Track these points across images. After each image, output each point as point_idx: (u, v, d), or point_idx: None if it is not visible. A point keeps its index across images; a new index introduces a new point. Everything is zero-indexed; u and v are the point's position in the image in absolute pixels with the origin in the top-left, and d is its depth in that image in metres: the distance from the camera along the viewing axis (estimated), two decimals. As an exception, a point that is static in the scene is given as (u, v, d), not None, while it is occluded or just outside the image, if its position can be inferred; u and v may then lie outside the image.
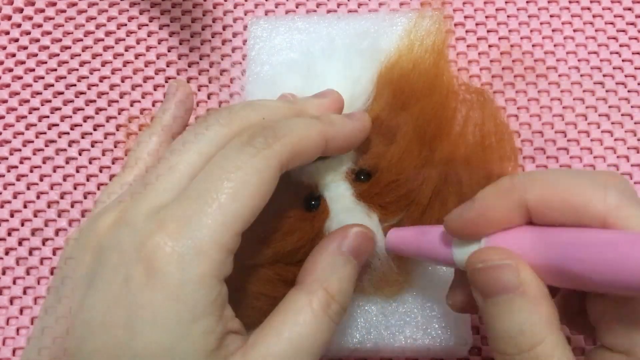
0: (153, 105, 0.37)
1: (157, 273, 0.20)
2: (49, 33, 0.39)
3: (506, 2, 0.38)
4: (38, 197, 0.35)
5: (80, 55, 0.38)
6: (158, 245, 0.20)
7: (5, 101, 0.37)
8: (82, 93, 0.37)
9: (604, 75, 0.36)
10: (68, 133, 0.36)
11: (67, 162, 0.36)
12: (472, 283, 0.20)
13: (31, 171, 0.36)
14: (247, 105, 0.25)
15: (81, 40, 0.38)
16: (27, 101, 0.37)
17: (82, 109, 0.37)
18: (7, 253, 0.34)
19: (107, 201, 0.25)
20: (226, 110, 0.24)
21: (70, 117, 0.37)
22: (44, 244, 0.34)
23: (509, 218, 0.20)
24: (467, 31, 0.38)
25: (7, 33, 0.38)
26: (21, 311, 0.33)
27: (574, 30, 0.37)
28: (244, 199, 0.21)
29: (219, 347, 0.20)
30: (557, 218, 0.19)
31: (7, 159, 0.36)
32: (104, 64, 0.38)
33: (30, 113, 0.37)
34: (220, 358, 0.20)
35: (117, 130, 0.36)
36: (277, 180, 0.22)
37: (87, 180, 0.35)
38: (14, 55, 0.38)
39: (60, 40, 0.38)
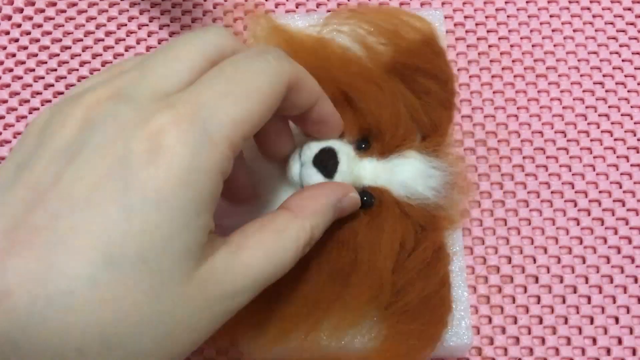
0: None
1: (164, 151, 0.17)
2: (49, 33, 0.39)
3: (506, 2, 0.38)
4: (38, 197, 0.35)
5: (80, 55, 0.38)
6: (167, 123, 0.18)
7: (5, 101, 0.37)
8: (82, 93, 0.37)
9: (604, 75, 0.36)
10: (68, 133, 0.36)
11: (67, 162, 0.36)
12: None
13: (31, 171, 0.36)
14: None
15: (81, 40, 0.38)
16: (27, 101, 0.37)
17: (82, 109, 0.37)
18: (7, 253, 0.34)
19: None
20: (282, 53, 0.23)
21: (71, 117, 0.37)
22: (44, 244, 0.34)
23: None
24: (467, 31, 0.38)
25: (7, 33, 0.38)
26: (21, 311, 0.33)
27: (574, 31, 0.37)
28: (256, 101, 0.20)
29: (208, 242, 0.19)
30: None
31: (7, 159, 0.36)
32: (104, 64, 0.38)
33: (30, 113, 0.37)
34: (208, 254, 0.19)
35: (117, 130, 0.36)
36: (281, 99, 0.21)
37: (87, 180, 0.35)
38: (14, 55, 0.38)
39: (60, 40, 0.38)
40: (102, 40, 0.38)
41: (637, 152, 0.35)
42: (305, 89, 0.23)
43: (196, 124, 0.18)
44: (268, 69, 0.21)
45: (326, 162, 0.27)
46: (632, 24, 0.37)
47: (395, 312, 0.27)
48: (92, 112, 0.18)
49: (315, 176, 0.27)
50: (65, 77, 0.38)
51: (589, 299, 0.32)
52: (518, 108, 0.36)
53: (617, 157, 0.35)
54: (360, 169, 0.28)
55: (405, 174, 0.28)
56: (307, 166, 0.27)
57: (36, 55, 0.38)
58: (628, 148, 0.35)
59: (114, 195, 0.17)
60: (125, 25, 0.39)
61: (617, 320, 0.32)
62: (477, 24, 0.38)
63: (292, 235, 0.22)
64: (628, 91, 0.36)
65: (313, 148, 0.27)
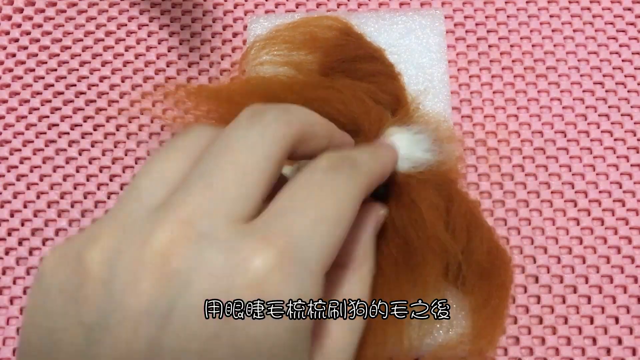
0: (153, 105, 0.37)
1: (274, 302, 0.16)
2: (49, 33, 0.39)
3: (506, 2, 0.38)
4: (38, 197, 0.35)
5: (80, 55, 0.38)
6: (268, 267, 0.16)
7: (5, 101, 0.37)
8: (82, 93, 0.37)
9: (604, 76, 0.36)
10: (68, 133, 0.36)
11: (67, 162, 0.36)
12: None
13: (31, 171, 0.36)
14: (302, 109, 0.21)
15: (81, 40, 0.38)
16: (27, 101, 0.37)
17: (82, 109, 0.37)
18: (7, 253, 0.34)
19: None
20: (282, 107, 0.20)
21: (70, 117, 0.37)
22: (44, 244, 0.34)
23: None
24: (467, 31, 0.38)
25: (7, 33, 0.39)
26: (21, 311, 0.33)
27: (574, 31, 0.37)
28: (346, 225, 0.19)
29: None
30: None
31: (7, 159, 0.36)
32: (104, 64, 0.38)
33: (30, 113, 0.37)
34: None
35: (117, 130, 0.36)
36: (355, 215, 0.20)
37: (87, 180, 0.35)
38: (14, 55, 0.38)
39: (60, 40, 0.38)
40: (102, 40, 0.38)
41: (637, 152, 0.35)
42: (315, 140, 0.21)
43: (296, 260, 0.16)
44: (354, 187, 0.20)
45: None
46: (632, 24, 0.37)
47: (469, 279, 0.28)
48: (173, 261, 0.16)
49: None
50: (65, 77, 0.38)
51: (589, 299, 0.32)
52: (518, 108, 0.36)
53: (617, 157, 0.35)
54: None
55: (400, 149, 0.28)
56: None
57: (36, 55, 0.38)
58: (628, 148, 0.35)
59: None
60: (125, 25, 0.39)
61: (617, 320, 0.32)
62: (477, 24, 0.38)
63: (359, 292, 0.22)
64: (628, 91, 0.36)
65: None
